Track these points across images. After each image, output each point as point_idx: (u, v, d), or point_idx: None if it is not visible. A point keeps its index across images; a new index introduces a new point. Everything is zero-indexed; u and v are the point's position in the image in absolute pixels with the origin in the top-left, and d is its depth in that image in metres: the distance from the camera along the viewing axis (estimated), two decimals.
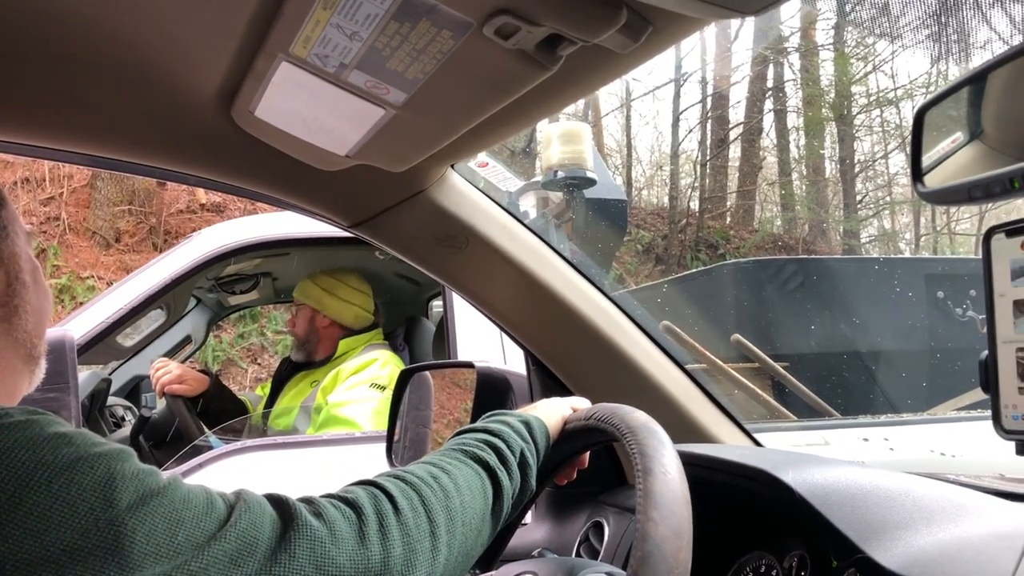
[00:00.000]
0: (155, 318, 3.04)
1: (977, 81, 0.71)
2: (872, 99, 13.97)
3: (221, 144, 1.14)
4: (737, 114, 14.62)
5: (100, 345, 2.40)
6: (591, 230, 4.85)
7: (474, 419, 0.98)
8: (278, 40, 0.84)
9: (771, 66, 14.23)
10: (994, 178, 0.64)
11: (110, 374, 3.06)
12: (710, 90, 14.29)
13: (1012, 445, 0.73)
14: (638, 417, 0.86)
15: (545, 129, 4.76)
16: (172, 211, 9.38)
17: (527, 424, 0.94)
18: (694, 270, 10.03)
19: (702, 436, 1.42)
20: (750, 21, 13.37)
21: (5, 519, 0.55)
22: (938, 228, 14.48)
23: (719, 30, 13.92)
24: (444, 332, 2.45)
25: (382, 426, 2.32)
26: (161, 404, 2.74)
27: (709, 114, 14.16)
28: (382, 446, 1.59)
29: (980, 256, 0.74)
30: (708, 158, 14.14)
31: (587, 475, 1.08)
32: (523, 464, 0.90)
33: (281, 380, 2.76)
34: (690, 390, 1.44)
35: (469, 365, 1.49)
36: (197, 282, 3.02)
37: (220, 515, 0.64)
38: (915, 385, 5.96)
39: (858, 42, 13.32)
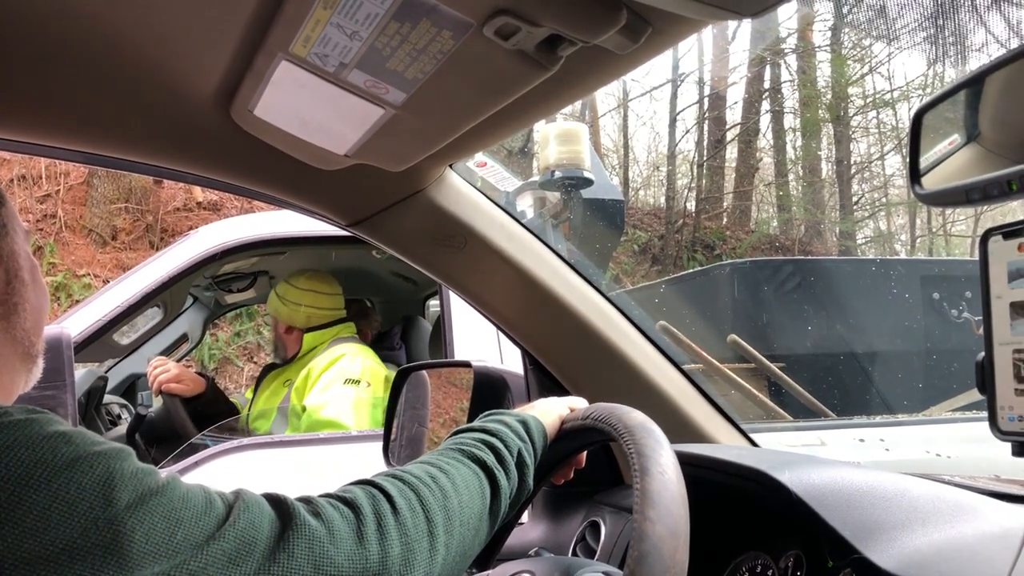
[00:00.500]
0: (152, 316, 3.04)
1: (975, 84, 0.72)
2: (869, 101, 14.00)
3: (220, 142, 1.14)
4: (734, 115, 14.64)
5: (97, 343, 2.40)
6: (588, 230, 4.85)
7: (471, 418, 0.98)
8: (278, 39, 0.84)
9: (768, 67, 14.25)
10: (992, 180, 0.64)
11: (106, 372, 3.06)
12: (707, 91, 14.30)
13: (1008, 446, 0.73)
14: (635, 417, 0.86)
15: (543, 129, 4.76)
16: (169, 209, 9.37)
17: (524, 424, 0.94)
18: (690, 270, 10.04)
19: (699, 436, 1.42)
20: (748, 22, 13.39)
21: (4, 518, 0.55)
22: (934, 230, 14.50)
23: (717, 31, 13.94)
24: (441, 331, 2.45)
25: (364, 420, 2.32)
26: (157, 403, 2.73)
27: (706, 115, 14.17)
28: (378, 444, 1.59)
29: (976, 258, 0.74)
30: (705, 159, 14.15)
31: (584, 475, 1.08)
32: (520, 464, 0.90)
33: (261, 380, 2.76)
34: (687, 390, 1.44)
35: (466, 364, 1.50)
36: (194, 280, 3.01)
37: (219, 514, 0.64)
38: (911, 386, 5.96)
39: (855, 44, 13.35)
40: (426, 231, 1.32)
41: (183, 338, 3.40)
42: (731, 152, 14.74)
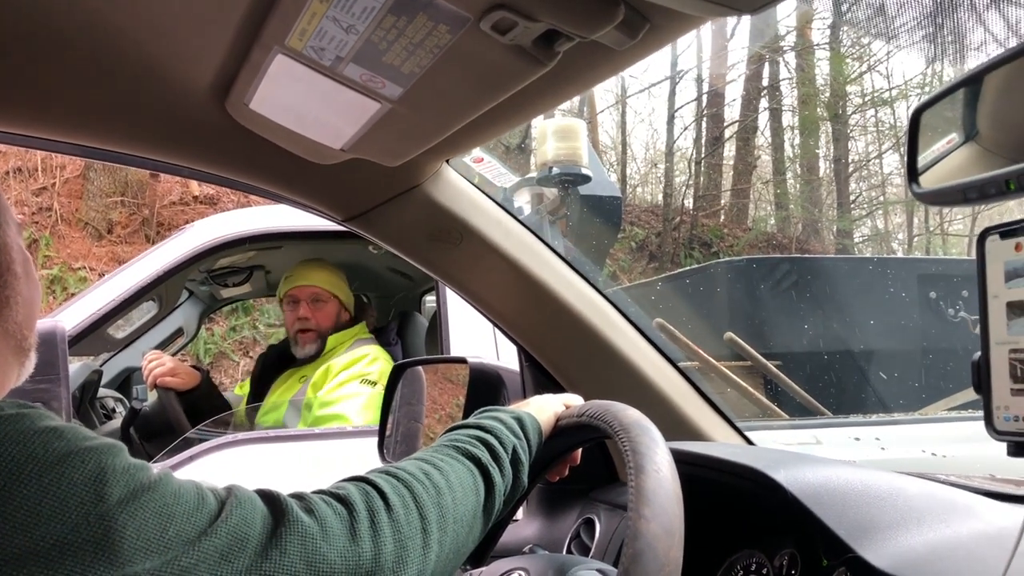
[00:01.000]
0: (147, 310, 3.03)
1: (973, 83, 0.71)
2: (867, 99, 14.01)
3: (215, 136, 1.13)
4: (732, 112, 14.65)
5: (91, 336, 2.40)
6: (585, 227, 4.85)
7: (466, 415, 0.98)
8: (274, 32, 0.84)
9: (767, 65, 14.25)
10: (989, 179, 0.64)
11: (101, 366, 3.05)
12: (706, 88, 14.31)
13: (1004, 446, 0.73)
14: (631, 414, 0.86)
15: (540, 125, 4.75)
16: (165, 203, 9.35)
17: (520, 420, 0.93)
18: (687, 268, 10.04)
19: (694, 434, 1.42)
20: (746, 19, 13.37)
21: None
22: (931, 229, 14.52)
23: (715, 28, 13.93)
24: (437, 327, 2.44)
25: (371, 420, 2.32)
26: (152, 396, 2.73)
27: (704, 112, 14.17)
28: (372, 440, 1.58)
29: (973, 257, 0.74)
30: (703, 156, 14.15)
31: (579, 472, 1.08)
32: (515, 461, 0.90)
33: (266, 378, 2.74)
34: (683, 388, 1.44)
35: (462, 361, 1.49)
36: (189, 274, 3.00)
37: (211, 510, 0.64)
38: (907, 385, 5.98)
39: (854, 42, 13.35)
40: (422, 227, 1.32)
41: (178, 332, 3.39)
42: (729, 149, 14.75)
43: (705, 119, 14.24)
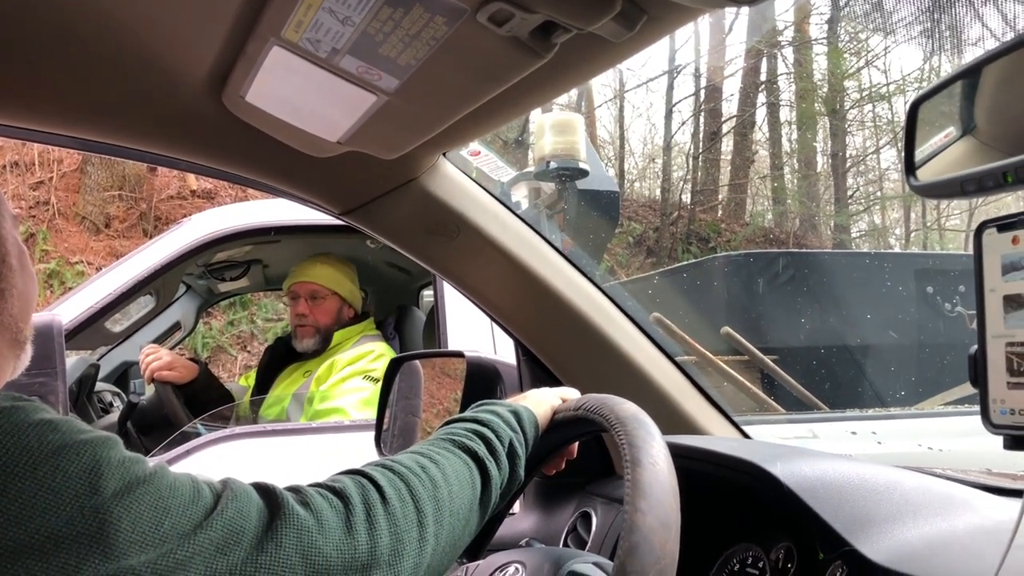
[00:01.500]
0: (144, 304, 3.03)
1: (971, 75, 0.71)
2: (865, 94, 14.01)
3: (211, 129, 1.13)
4: (730, 107, 14.65)
5: (88, 330, 2.39)
6: (583, 221, 4.85)
7: (463, 409, 0.98)
8: (270, 24, 0.83)
9: (764, 60, 14.24)
10: (987, 172, 0.64)
11: (98, 360, 3.05)
12: (704, 83, 14.29)
13: (1000, 439, 0.73)
14: (627, 408, 0.86)
15: (538, 119, 4.75)
16: (163, 197, 9.33)
17: (516, 414, 0.93)
18: (685, 262, 10.05)
19: (691, 428, 1.42)
20: (744, 14, 13.37)
21: None
22: (928, 224, 14.54)
23: (713, 22, 13.92)
24: (435, 321, 2.44)
25: (370, 416, 2.32)
26: (149, 390, 2.72)
27: (702, 107, 14.16)
28: (369, 434, 1.58)
29: (970, 252, 0.73)
30: (700, 151, 14.15)
31: (576, 466, 1.08)
32: (512, 454, 0.90)
33: (272, 370, 2.74)
34: (680, 382, 1.44)
35: (459, 355, 1.49)
36: (187, 268, 3.00)
37: (207, 503, 0.64)
38: (904, 379, 5.99)
39: (852, 37, 13.35)
40: (419, 220, 1.31)
41: (176, 326, 3.38)
42: (727, 144, 14.75)
43: (703, 114, 14.23)
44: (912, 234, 14.40)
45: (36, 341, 0.87)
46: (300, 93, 0.96)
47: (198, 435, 2.26)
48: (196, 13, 0.87)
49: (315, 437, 2.25)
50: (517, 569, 0.97)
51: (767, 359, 5.34)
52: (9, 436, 0.58)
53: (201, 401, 2.58)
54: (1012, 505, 0.92)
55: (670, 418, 1.40)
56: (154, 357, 2.54)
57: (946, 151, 0.76)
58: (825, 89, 14.05)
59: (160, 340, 3.26)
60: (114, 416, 2.78)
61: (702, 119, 14.29)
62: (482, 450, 0.86)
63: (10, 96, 1.04)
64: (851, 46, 13.49)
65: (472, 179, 1.35)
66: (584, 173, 4.65)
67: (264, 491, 0.68)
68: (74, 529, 0.56)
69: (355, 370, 2.44)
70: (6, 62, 0.97)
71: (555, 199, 4.73)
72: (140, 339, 3.15)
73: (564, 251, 1.41)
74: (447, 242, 1.33)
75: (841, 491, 0.93)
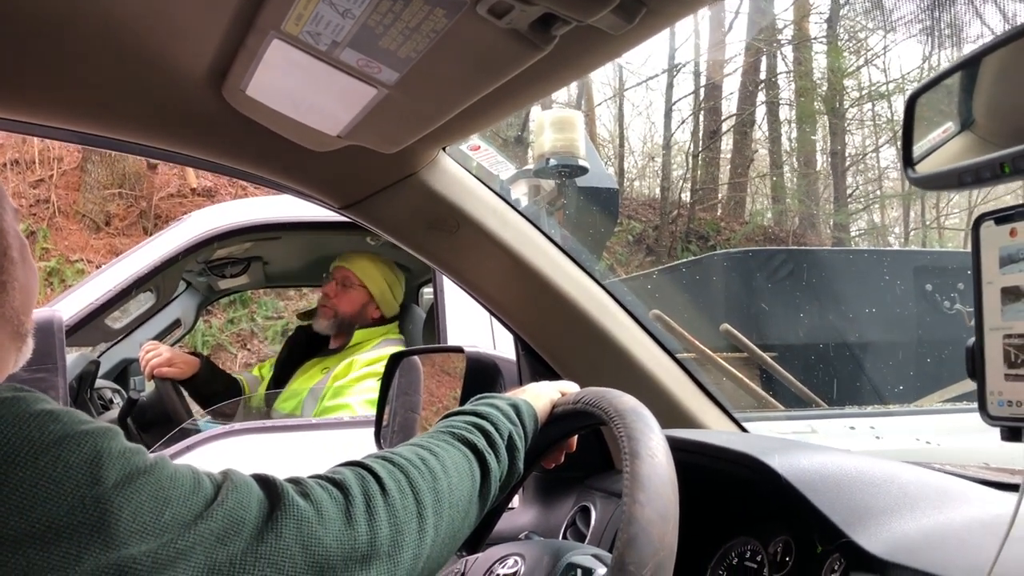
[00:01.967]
0: (144, 301, 3.03)
1: (970, 66, 0.71)
2: (864, 93, 14.01)
3: (211, 123, 1.13)
4: (730, 106, 14.64)
5: (89, 327, 2.39)
6: (582, 218, 4.85)
7: (463, 403, 0.98)
8: (270, 17, 0.84)
9: (764, 58, 14.24)
10: (984, 163, 0.64)
11: (99, 356, 3.05)
12: (703, 81, 14.29)
13: (997, 432, 0.73)
14: (626, 401, 0.86)
15: (538, 117, 4.76)
16: (163, 195, 9.34)
17: (515, 407, 0.94)
18: (685, 259, 10.05)
19: (690, 423, 1.42)
20: (744, 11, 13.37)
21: None
22: (927, 222, 14.54)
23: (713, 20, 13.92)
24: (434, 318, 2.44)
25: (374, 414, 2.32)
26: (150, 387, 2.72)
27: (702, 105, 14.16)
28: (370, 430, 1.59)
29: (969, 250, 0.74)
30: (700, 149, 14.15)
31: (575, 460, 1.08)
32: (511, 447, 0.90)
33: (291, 363, 2.73)
34: (679, 377, 1.44)
35: (459, 350, 1.50)
36: (187, 265, 3.00)
37: (207, 494, 0.64)
38: (902, 376, 6.00)
39: (851, 35, 13.34)
40: (419, 214, 1.31)
41: (176, 323, 3.38)
42: (726, 143, 14.75)
43: (703, 112, 14.23)
44: (911, 232, 14.41)
45: (36, 337, 0.87)
46: (300, 87, 0.96)
47: (198, 431, 2.26)
48: (196, 6, 0.87)
49: (316, 433, 2.25)
50: (516, 561, 0.97)
51: (766, 356, 5.35)
52: (10, 426, 0.58)
53: (206, 394, 2.58)
54: (1009, 499, 0.93)
55: (669, 414, 1.40)
56: (154, 354, 2.54)
57: (944, 147, 0.76)
58: (825, 87, 14.05)
59: (160, 337, 3.26)
60: (114, 413, 2.78)
61: (702, 117, 14.29)
62: (481, 443, 0.86)
63: (9, 90, 1.04)
64: (851, 44, 13.49)
65: (472, 174, 1.35)
66: (584, 170, 4.66)
67: (264, 482, 0.69)
68: (75, 519, 0.57)
69: (371, 371, 2.43)
70: (5, 56, 0.97)
71: (555, 196, 4.73)
72: (140, 336, 3.15)
73: (563, 246, 1.42)
74: (447, 237, 1.33)
75: (839, 484, 0.93)
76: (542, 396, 0.99)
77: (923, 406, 4.75)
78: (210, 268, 3.16)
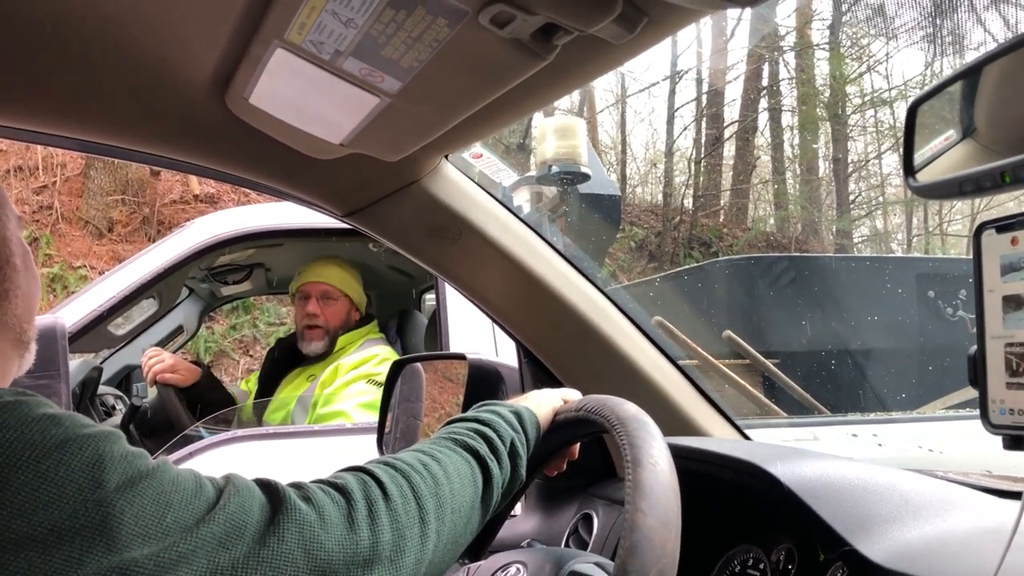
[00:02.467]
0: (147, 307, 3.03)
1: (971, 75, 0.72)
2: (866, 99, 14.02)
3: (215, 130, 1.13)
4: (732, 112, 14.65)
5: (91, 333, 2.39)
6: (584, 225, 4.86)
7: (465, 411, 0.98)
8: (273, 26, 0.84)
9: (766, 65, 14.25)
10: (985, 172, 0.64)
11: (101, 363, 3.05)
12: (705, 88, 14.31)
13: (999, 441, 0.73)
14: (628, 409, 0.86)
15: (540, 124, 4.76)
16: (166, 202, 9.34)
17: (518, 414, 0.94)
18: (687, 266, 10.05)
19: (692, 430, 1.42)
20: (746, 18, 13.40)
21: None
22: (930, 229, 14.53)
23: (715, 27, 13.93)
24: (437, 325, 2.45)
25: (373, 420, 2.32)
26: (152, 394, 2.73)
27: (704, 112, 14.17)
28: (371, 437, 1.59)
29: (971, 256, 0.74)
30: (702, 156, 14.15)
31: (577, 468, 1.08)
32: (513, 454, 0.90)
33: (274, 375, 2.74)
34: (681, 385, 1.44)
35: (461, 357, 1.50)
36: (190, 272, 3.01)
37: (209, 498, 0.64)
38: (905, 383, 5.98)
39: (853, 42, 13.35)
40: (421, 222, 1.32)
41: (179, 330, 3.39)
42: (729, 149, 14.76)
43: (705, 119, 14.24)
44: (914, 239, 14.40)
45: (39, 344, 0.88)
46: (303, 95, 0.97)
47: (200, 438, 2.26)
48: (200, 15, 0.88)
49: (317, 440, 2.25)
50: (519, 569, 0.97)
51: (769, 363, 5.34)
52: (13, 430, 0.58)
53: (203, 404, 2.58)
54: (1011, 506, 0.93)
55: (671, 421, 1.40)
56: (156, 360, 2.54)
57: (945, 155, 0.76)
58: (827, 94, 14.06)
59: (163, 344, 3.27)
60: (116, 419, 2.79)
61: (704, 124, 14.29)
62: (484, 449, 0.86)
63: (14, 98, 1.04)
64: (853, 51, 13.49)
65: (474, 181, 1.35)
66: (586, 177, 4.66)
67: (266, 486, 0.69)
68: (77, 522, 0.57)
69: (359, 374, 2.44)
70: (10, 63, 0.97)
71: (557, 203, 4.74)
72: (143, 343, 3.16)
73: (565, 253, 1.42)
74: (449, 244, 1.34)
75: (841, 492, 0.93)
76: (544, 403, 0.99)
77: (926, 413, 4.74)
78: (212, 275, 3.17)
